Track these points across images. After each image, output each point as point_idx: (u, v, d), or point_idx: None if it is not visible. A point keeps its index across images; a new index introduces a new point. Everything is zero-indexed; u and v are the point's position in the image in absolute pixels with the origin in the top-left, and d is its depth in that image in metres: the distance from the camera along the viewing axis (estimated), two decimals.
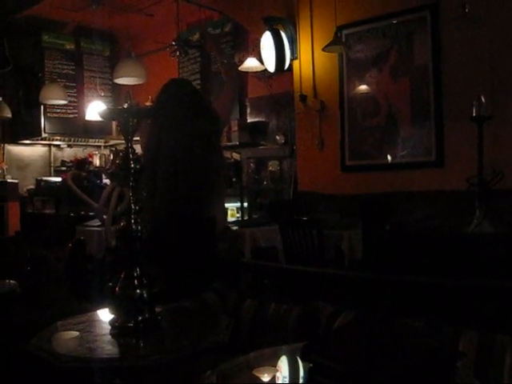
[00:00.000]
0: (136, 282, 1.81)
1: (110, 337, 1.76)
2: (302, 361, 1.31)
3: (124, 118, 1.80)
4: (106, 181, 6.70)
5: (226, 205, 6.10)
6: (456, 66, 4.87)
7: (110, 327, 1.80)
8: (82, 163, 8.00)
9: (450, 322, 1.74)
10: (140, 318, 1.78)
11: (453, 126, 4.86)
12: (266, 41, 5.96)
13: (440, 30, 4.96)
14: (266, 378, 1.44)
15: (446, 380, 1.25)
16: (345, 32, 5.60)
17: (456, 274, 2.73)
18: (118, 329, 1.78)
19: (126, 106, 1.81)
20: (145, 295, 1.80)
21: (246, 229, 4.76)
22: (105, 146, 8.87)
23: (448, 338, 1.66)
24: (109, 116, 1.90)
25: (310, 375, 1.25)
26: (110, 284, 1.84)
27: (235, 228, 4.83)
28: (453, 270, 2.91)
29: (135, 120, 1.81)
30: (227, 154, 7.09)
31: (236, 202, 6.19)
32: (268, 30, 5.94)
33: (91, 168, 8.04)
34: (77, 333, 1.85)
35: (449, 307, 1.85)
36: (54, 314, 2.16)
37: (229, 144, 6.93)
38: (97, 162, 8.41)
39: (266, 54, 6.01)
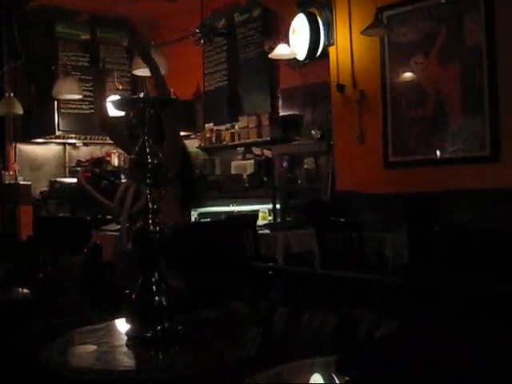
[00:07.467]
0: (154, 288, 1.81)
1: (126, 348, 1.77)
2: (338, 374, 1.29)
3: (140, 109, 1.80)
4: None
5: (257, 206, 6.16)
6: None
7: (126, 338, 1.81)
8: (98, 162, 8.07)
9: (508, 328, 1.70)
10: (159, 327, 1.77)
11: (510, 115, 4.78)
12: (298, 25, 5.95)
13: (494, 8, 4.88)
14: None
15: None
16: (386, 13, 5.55)
17: None
18: (135, 339, 1.78)
19: (141, 95, 1.82)
20: (164, 303, 1.79)
21: (279, 232, 4.75)
22: None
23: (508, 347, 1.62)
24: (123, 106, 1.91)
25: None
26: (127, 291, 1.85)
27: (266, 231, 4.83)
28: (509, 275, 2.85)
29: (152, 111, 1.81)
30: (257, 151, 7.10)
31: (267, 203, 6.19)
32: (301, 13, 5.93)
33: (109, 168, 8.10)
34: (91, 343, 1.85)
35: (506, 313, 1.81)
36: (67, 324, 2.18)
37: (259, 140, 6.93)
38: (115, 161, 8.44)
39: (297, 39, 6.00)
